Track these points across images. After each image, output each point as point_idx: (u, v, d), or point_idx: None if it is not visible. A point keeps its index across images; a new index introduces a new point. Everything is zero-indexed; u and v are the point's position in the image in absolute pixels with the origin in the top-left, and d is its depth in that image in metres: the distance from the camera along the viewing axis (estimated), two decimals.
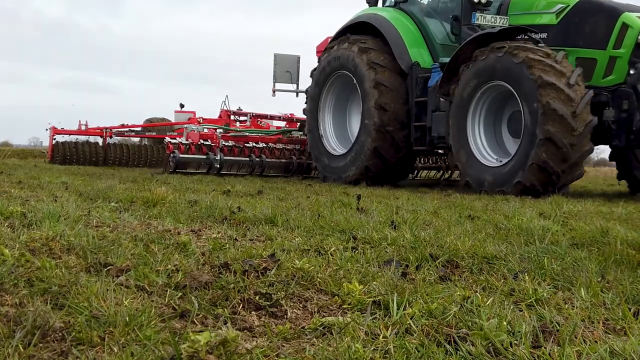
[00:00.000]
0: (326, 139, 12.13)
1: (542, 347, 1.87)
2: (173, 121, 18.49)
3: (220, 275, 2.54)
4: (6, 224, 3.68)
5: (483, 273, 2.92)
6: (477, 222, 4.82)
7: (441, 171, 14.06)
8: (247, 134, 14.29)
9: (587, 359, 1.82)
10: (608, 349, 1.84)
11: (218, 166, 12.67)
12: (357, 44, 11.22)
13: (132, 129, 18.35)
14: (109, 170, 13.44)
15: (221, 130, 13.83)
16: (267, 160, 13.13)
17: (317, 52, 13.43)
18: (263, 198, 6.61)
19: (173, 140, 13.05)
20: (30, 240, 3.10)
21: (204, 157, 12.74)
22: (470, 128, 9.64)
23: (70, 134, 17.26)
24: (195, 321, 2.05)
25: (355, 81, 11.25)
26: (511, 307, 2.26)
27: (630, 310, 2.28)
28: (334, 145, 12.03)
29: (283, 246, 3.34)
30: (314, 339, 1.94)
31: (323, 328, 2.01)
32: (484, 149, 9.63)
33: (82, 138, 17.34)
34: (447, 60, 10.26)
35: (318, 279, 2.57)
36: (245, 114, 17.79)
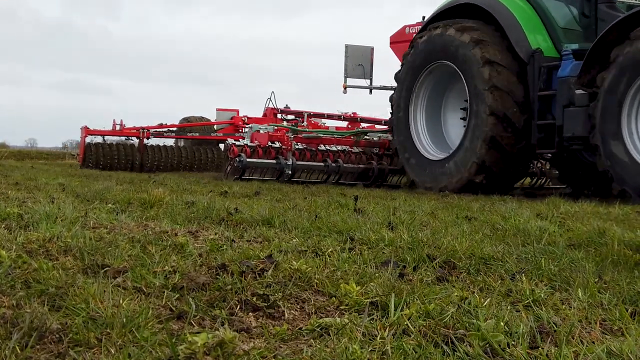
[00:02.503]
0: (418, 139, 10.57)
1: (540, 348, 1.87)
2: (213, 120, 16.91)
3: (218, 277, 2.54)
4: (3, 226, 3.68)
5: (480, 274, 2.92)
6: (475, 223, 4.82)
7: (535, 178, 12.14)
8: (321, 135, 12.60)
9: (584, 359, 1.82)
10: (605, 349, 1.85)
11: (290, 172, 11.10)
12: (466, 32, 9.62)
13: (171, 129, 16.51)
14: (106, 172, 13.39)
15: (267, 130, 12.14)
16: (345, 165, 11.43)
17: (391, 43, 12.24)
18: (260, 199, 6.61)
19: (237, 142, 11.49)
20: (27, 242, 3.10)
21: (274, 161, 11.17)
22: (625, 125, 7.91)
23: (104, 135, 15.65)
24: (193, 322, 2.05)
25: (461, 76, 9.70)
26: (508, 308, 2.26)
27: (627, 311, 2.28)
28: (428, 147, 10.51)
29: (280, 247, 3.34)
30: (312, 340, 1.94)
31: (320, 329, 2.01)
32: None
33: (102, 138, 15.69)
34: (574, 46, 9.01)
35: (315, 280, 2.57)
36: (294, 113, 16.29)
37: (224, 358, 1.71)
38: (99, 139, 15.79)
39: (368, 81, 13.06)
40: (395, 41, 12.15)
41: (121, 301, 2.12)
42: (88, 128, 15.33)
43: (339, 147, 11.79)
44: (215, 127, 16.63)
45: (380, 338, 1.93)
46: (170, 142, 16.68)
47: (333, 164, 11.32)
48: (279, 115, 16.07)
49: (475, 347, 1.84)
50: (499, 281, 2.75)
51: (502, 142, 9.19)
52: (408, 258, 3.17)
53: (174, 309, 2.17)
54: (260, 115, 16.28)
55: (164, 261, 2.80)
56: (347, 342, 1.87)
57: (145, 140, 15.49)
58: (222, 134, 15.90)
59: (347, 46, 12.91)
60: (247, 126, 13.34)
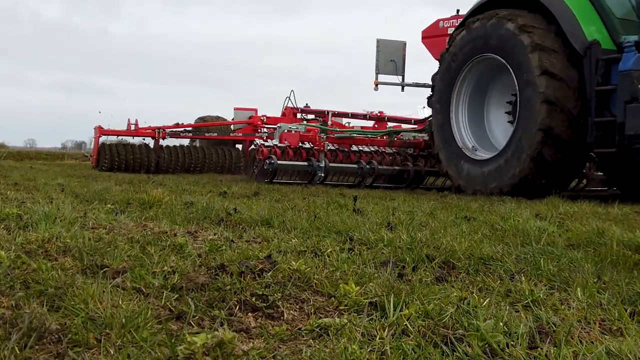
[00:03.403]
0: (461, 138, 9.99)
1: (539, 348, 1.87)
2: (230, 119, 16.22)
3: (217, 277, 2.54)
4: (2, 226, 3.68)
5: (479, 274, 2.92)
6: (474, 223, 4.82)
7: (576, 180, 11.26)
8: (354, 135, 11.99)
9: (583, 359, 1.82)
10: (604, 349, 1.85)
11: (322, 175, 10.53)
12: (512, 21, 8.93)
13: (187, 129, 15.78)
14: (106, 173, 13.38)
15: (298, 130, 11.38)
16: (380, 167, 10.82)
17: (423, 37, 11.77)
18: (259, 199, 6.60)
19: (267, 143, 10.91)
20: (27, 242, 3.10)
21: (306, 164, 10.63)
22: None
23: (118, 135, 15.00)
24: (192, 323, 2.04)
25: (508, 66, 9.08)
26: (508, 308, 2.26)
27: (626, 311, 2.28)
28: (473, 148, 9.87)
29: (279, 247, 3.34)
30: (311, 340, 1.94)
31: (320, 329, 2.01)
32: None
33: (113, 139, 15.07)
34: (633, 38, 8.44)
35: (314, 280, 2.57)
36: (315, 112, 15.61)
37: (223, 358, 1.71)
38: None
39: (400, 78, 12.34)
40: (428, 36, 11.61)
41: (120, 301, 2.12)
42: (102, 128, 14.69)
43: (372, 148, 11.22)
44: (232, 127, 16.02)
45: (379, 338, 1.93)
46: (180, 142, 16.06)
47: (367, 166, 10.74)
48: (298, 115, 15.43)
49: (474, 348, 1.84)
50: (498, 281, 2.75)
51: (557, 129, 8.53)
52: (407, 258, 3.17)
53: (173, 309, 2.17)
54: (274, 114, 15.80)
55: (163, 261, 2.80)
56: (346, 342, 1.87)
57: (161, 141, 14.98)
58: (241, 134, 15.43)
59: (378, 41, 12.20)
60: (275, 126, 12.73)
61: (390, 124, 15.35)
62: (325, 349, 1.83)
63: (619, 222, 5.10)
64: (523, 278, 2.74)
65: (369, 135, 12.14)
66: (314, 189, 9.18)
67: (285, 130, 11.30)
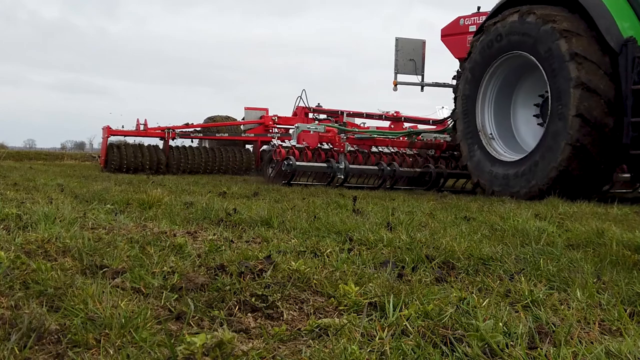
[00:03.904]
0: (481, 119, 9.74)
1: (538, 348, 1.87)
2: (240, 119, 15.81)
3: (216, 277, 2.54)
4: (2, 226, 3.68)
5: (479, 274, 2.92)
6: (473, 224, 4.82)
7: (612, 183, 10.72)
8: (374, 136, 11.63)
9: (583, 359, 1.82)
10: (604, 349, 1.85)
11: (342, 177, 10.28)
12: (566, 40, 8.44)
13: (197, 129, 15.24)
14: (105, 173, 13.37)
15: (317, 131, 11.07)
16: (401, 169, 10.58)
17: (442, 35, 11.45)
18: (259, 200, 6.60)
19: (284, 144, 10.63)
20: (26, 243, 3.10)
21: (325, 165, 10.36)
22: None
23: (127, 135, 14.50)
24: (191, 323, 2.04)
25: (540, 67, 8.77)
26: (507, 308, 2.26)
27: (625, 311, 2.28)
28: (498, 147, 9.63)
29: (279, 248, 3.34)
30: (310, 340, 1.94)
31: (319, 330, 2.01)
32: None
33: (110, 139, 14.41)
34: None
35: (314, 281, 2.57)
36: (327, 112, 15.17)
37: (222, 359, 1.71)
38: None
39: (419, 77, 12.08)
40: (448, 34, 11.38)
41: (120, 302, 2.12)
42: (110, 128, 14.22)
43: (393, 149, 10.96)
44: (242, 127, 15.63)
45: (379, 338, 1.93)
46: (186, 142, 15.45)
47: (388, 168, 10.45)
48: (310, 115, 15.04)
49: (474, 348, 1.84)
50: (498, 281, 2.75)
51: (595, 130, 8.17)
52: (407, 258, 3.17)
53: (172, 309, 2.17)
54: (276, 113, 15.44)
55: (163, 262, 2.80)
56: (346, 342, 1.87)
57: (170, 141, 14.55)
58: (253, 135, 15.09)
59: (397, 39, 11.92)
60: (285, 126, 12.44)
61: (406, 124, 15.04)
62: (325, 349, 1.83)
63: (618, 222, 5.10)
64: (522, 278, 2.75)
65: (389, 136, 11.86)
66: (313, 189, 9.17)
67: (303, 130, 11.02)
